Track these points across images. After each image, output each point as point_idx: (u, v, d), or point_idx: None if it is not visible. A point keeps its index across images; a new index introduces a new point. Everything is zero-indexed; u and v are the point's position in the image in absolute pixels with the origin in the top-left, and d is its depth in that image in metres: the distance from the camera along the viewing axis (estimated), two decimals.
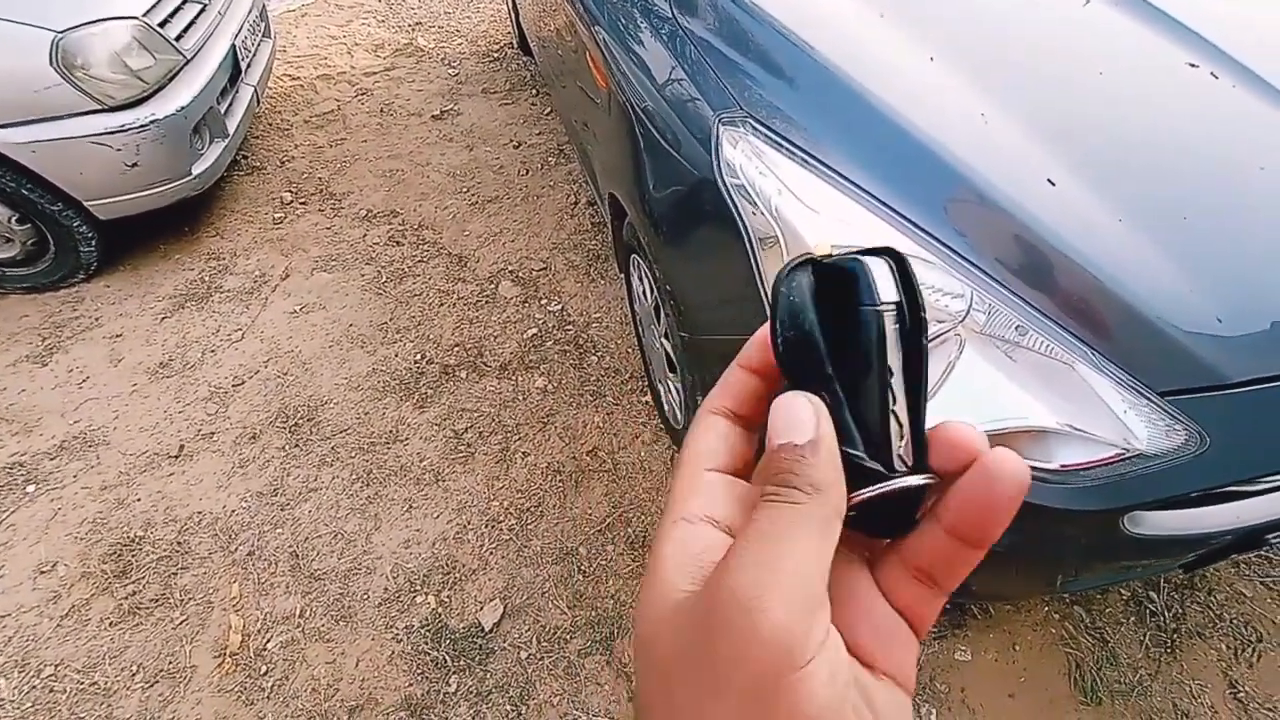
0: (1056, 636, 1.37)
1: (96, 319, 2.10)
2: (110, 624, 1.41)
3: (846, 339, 0.23)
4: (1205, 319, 0.77)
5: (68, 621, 1.41)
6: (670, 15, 1.28)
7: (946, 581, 0.23)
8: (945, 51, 1.04)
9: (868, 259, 0.23)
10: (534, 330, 2.03)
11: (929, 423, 0.23)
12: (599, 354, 1.95)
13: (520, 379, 1.89)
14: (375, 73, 3.36)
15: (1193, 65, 0.99)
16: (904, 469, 0.22)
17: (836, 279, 0.23)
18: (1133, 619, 1.39)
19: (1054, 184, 0.86)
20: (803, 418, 0.22)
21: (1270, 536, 0.89)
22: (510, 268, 2.25)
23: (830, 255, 0.24)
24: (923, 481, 0.22)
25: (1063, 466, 0.78)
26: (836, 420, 0.22)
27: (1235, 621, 1.39)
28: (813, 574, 0.20)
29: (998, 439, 0.81)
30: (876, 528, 0.24)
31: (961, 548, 0.22)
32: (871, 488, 0.22)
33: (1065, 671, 1.32)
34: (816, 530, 0.20)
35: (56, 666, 1.34)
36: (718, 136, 1.00)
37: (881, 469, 0.22)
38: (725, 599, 0.19)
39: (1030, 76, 1.04)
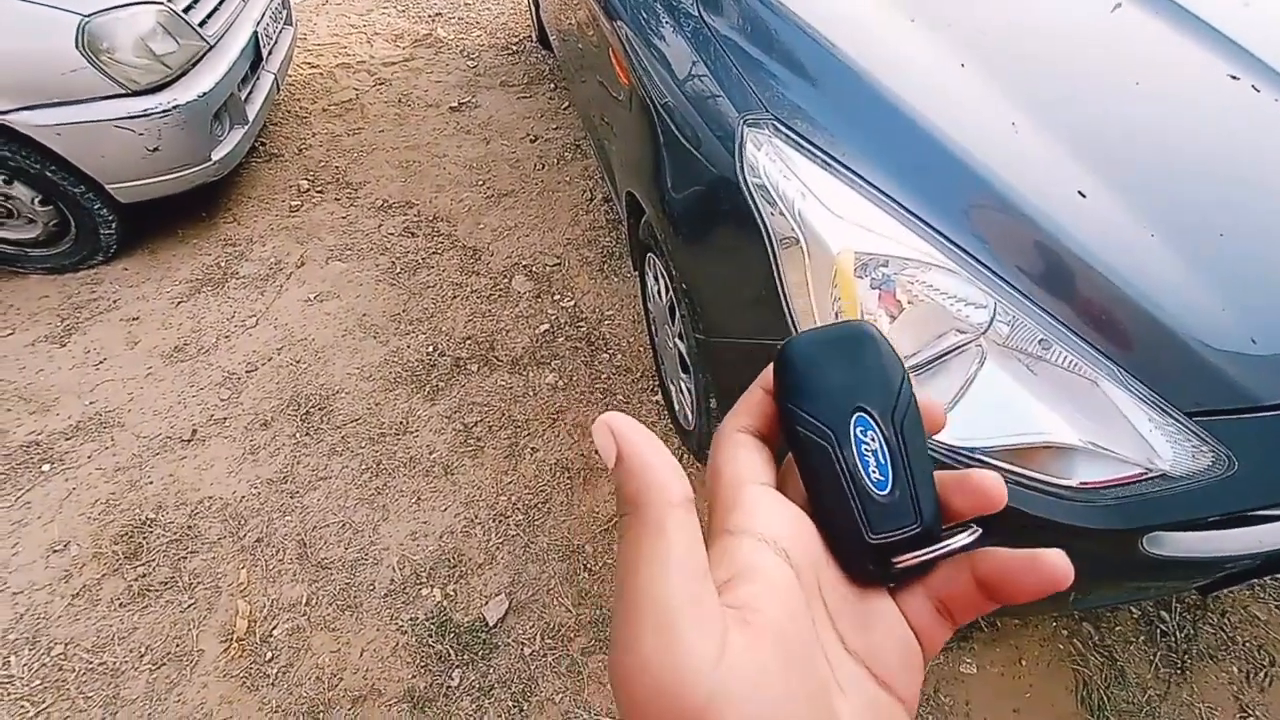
0: (1064, 653, 1.35)
1: (114, 301, 2.12)
2: (120, 605, 1.42)
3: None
4: (1239, 339, 0.75)
5: (78, 601, 1.42)
6: (695, 12, 1.27)
7: (961, 617, 0.24)
8: (977, 58, 1.02)
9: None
10: (546, 326, 2.02)
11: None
12: (610, 352, 1.95)
13: (531, 374, 1.89)
14: (394, 63, 3.36)
15: (1233, 77, 0.97)
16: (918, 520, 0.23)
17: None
18: (1143, 638, 1.37)
19: (1085, 196, 0.84)
20: (603, 443, 0.21)
21: None
22: (524, 262, 2.25)
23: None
24: (969, 539, 0.23)
25: (1082, 484, 0.77)
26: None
27: (1248, 644, 1.37)
28: (665, 593, 0.18)
29: (1017, 454, 0.79)
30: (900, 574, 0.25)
31: (984, 599, 0.23)
32: (929, 550, 0.23)
33: (1072, 689, 1.30)
34: (652, 545, 0.19)
35: (66, 645, 1.36)
36: (741, 137, 0.99)
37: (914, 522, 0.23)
38: (612, 666, 0.18)
39: (1064, 85, 1.02)
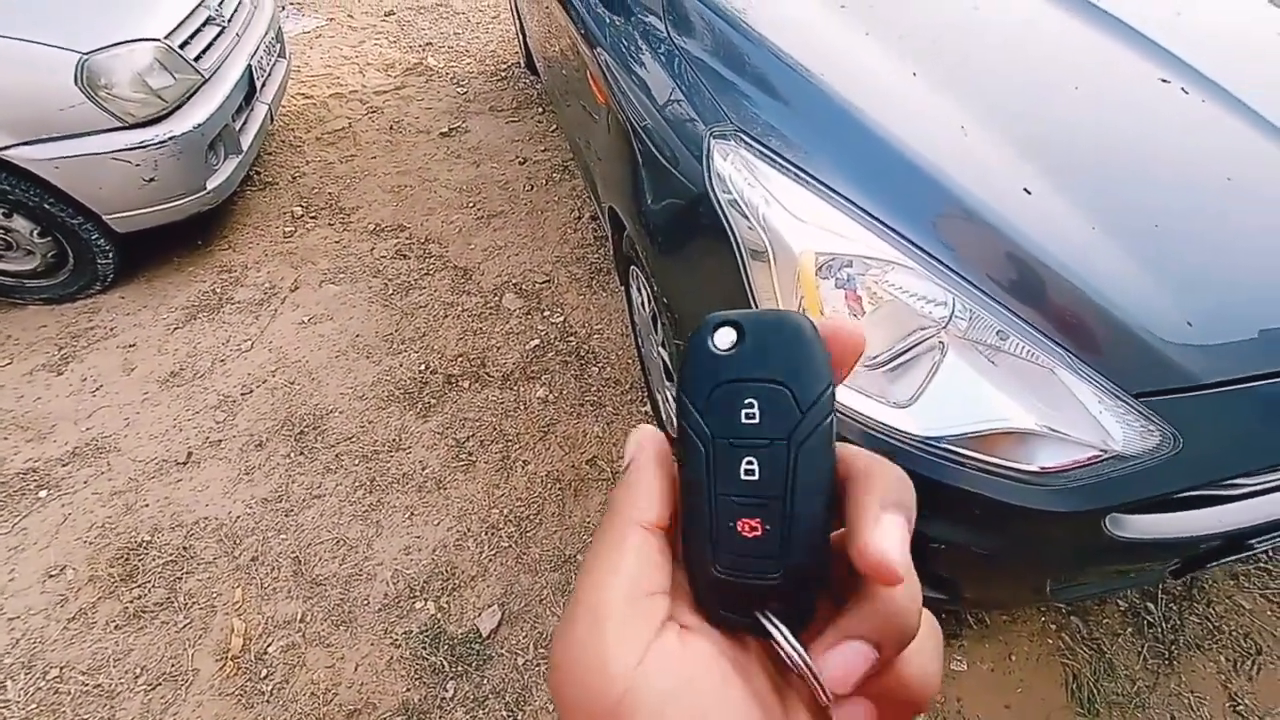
0: (1053, 647, 1.36)
1: (111, 329, 2.15)
2: (116, 627, 1.43)
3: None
4: (1176, 323, 0.79)
5: (74, 624, 1.43)
6: (667, 36, 1.33)
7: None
8: (926, 67, 1.08)
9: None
10: (536, 341, 2.06)
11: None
12: (599, 365, 1.98)
13: (522, 389, 1.92)
14: (386, 91, 3.45)
15: (1164, 80, 1.03)
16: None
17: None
18: (1130, 630, 1.39)
19: (1030, 193, 0.89)
20: (629, 451, 0.23)
21: (1254, 541, 0.90)
22: (514, 280, 2.29)
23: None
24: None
25: (1042, 469, 0.80)
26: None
27: (1234, 634, 1.38)
28: (605, 597, 0.19)
29: (980, 441, 0.83)
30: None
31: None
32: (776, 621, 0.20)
33: (1062, 682, 1.32)
34: (609, 552, 0.20)
35: (62, 669, 1.36)
36: (709, 149, 1.04)
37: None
38: (552, 647, 0.20)
39: (1008, 90, 1.08)
